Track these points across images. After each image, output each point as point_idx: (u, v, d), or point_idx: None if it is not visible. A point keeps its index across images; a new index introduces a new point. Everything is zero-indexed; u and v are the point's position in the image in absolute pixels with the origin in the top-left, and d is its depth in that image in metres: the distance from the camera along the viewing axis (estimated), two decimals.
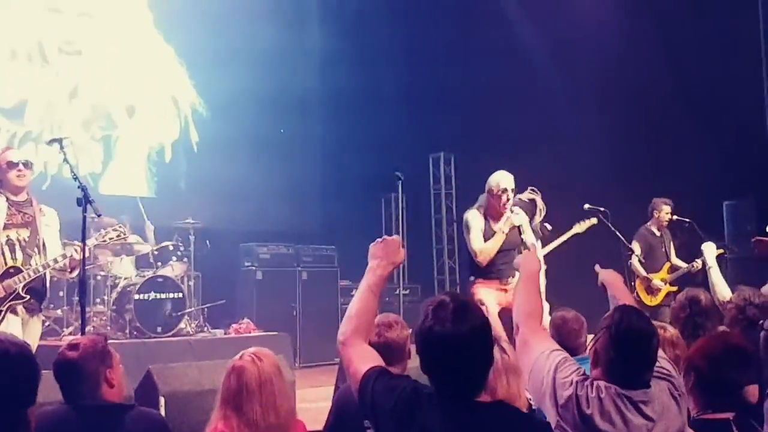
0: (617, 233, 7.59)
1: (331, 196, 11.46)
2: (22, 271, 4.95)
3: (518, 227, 6.42)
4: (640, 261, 8.00)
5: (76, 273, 5.16)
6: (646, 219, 8.28)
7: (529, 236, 6.46)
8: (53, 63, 9.59)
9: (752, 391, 2.90)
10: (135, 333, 7.74)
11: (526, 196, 6.90)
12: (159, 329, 7.85)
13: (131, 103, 10.22)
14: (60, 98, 9.62)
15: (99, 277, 8.00)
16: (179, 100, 10.69)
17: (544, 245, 7.08)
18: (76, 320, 7.54)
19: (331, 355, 8.49)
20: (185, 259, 8.57)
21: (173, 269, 8.38)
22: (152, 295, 7.85)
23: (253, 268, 9.65)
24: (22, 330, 4.89)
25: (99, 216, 5.07)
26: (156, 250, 8.34)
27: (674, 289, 7.85)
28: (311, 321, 9.52)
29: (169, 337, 7.92)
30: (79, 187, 4.86)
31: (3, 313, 4.88)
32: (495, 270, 6.34)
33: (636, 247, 7.98)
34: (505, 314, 5.96)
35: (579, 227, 7.46)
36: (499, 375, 2.93)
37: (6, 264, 4.96)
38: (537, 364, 2.69)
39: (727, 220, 9.01)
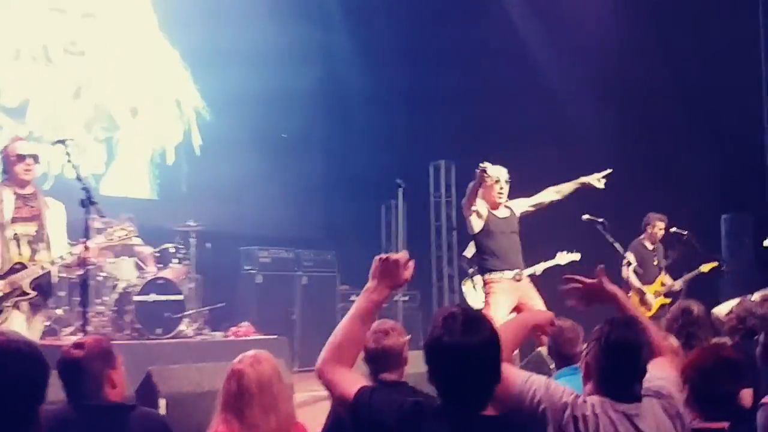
0: (615, 245, 7.62)
1: (332, 201, 11.51)
2: (27, 267, 4.92)
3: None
4: (635, 271, 8.04)
5: (83, 270, 5.15)
6: (640, 233, 8.35)
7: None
8: (57, 63, 9.58)
9: (746, 395, 2.94)
10: (135, 334, 7.74)
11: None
12: (159, 331, 7.83)
13: (134, 105, 10.22)
14: (63, 98, 9.62)
15: (99, 278, 8.00)
16: (183, 102, 10.70)
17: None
18: (76, 320, 7.55)
19: None
20: (186, 262, 8.60)
21: (174, 271, 8.41)
22: (152, 296, 7.86)
23: (254, 271, 9.66)
24: (26, 327, 4.88)
25: (102, 217, 5.08)
26: (157, 252, 8.38)
27: (668, 301, 7.89)
28: (310, 325, 9.49)
29: (168, 338, 7.91)
30: (82, 188, 4.88)
31: (8, 309, 4.86)
32: (508, 261, 6.52)
33: (631, 257, 8.03)
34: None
35: (561, 258, 7.23)
36: None
37: (12, 260, 4.93)
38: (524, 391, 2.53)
39: (724, 234, 9.04)
